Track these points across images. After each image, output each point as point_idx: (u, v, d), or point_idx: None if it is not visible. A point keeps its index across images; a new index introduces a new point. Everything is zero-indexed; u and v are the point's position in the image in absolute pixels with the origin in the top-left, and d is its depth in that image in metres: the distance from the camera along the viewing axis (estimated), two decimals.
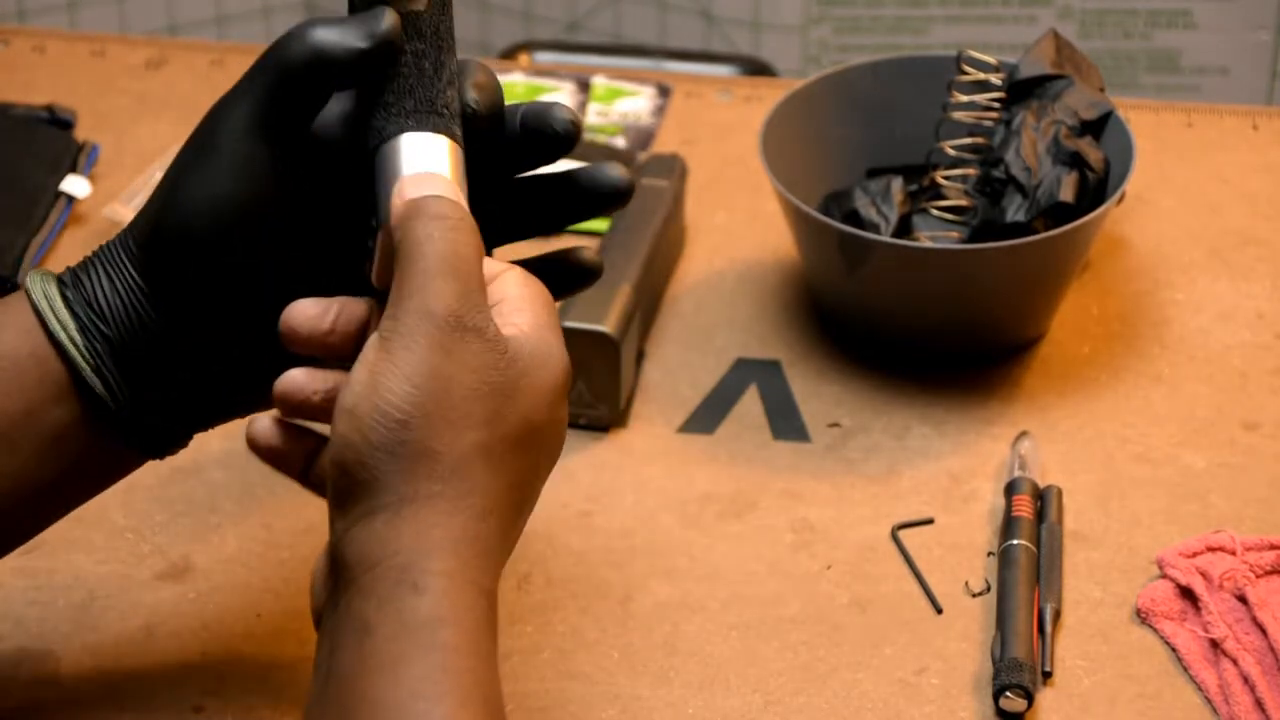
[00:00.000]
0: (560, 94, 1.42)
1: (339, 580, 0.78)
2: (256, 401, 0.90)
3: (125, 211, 1.29)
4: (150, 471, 1.10)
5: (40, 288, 0.88)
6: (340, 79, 0.85)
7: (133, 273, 0.87)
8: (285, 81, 0.85)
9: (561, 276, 0.89)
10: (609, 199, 0.89)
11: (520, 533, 0.83)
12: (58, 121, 1.35)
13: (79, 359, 0.87)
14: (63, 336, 0.87)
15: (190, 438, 0.92)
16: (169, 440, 0.91)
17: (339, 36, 0.84)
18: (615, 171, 0.89)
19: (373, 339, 0.80)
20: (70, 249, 1.27)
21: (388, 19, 0.84)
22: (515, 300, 0.83)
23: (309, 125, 0.86)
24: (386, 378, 0.78)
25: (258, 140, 0.85)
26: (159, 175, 1.30)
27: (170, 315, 0.87)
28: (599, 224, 1.28)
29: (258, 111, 0.85)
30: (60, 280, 0.89)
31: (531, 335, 0.81)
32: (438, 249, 0.80)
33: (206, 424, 0.91)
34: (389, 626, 0.76)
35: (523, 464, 0.81)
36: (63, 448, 0.88)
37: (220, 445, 1.10)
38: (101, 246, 0.89)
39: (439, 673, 0.75)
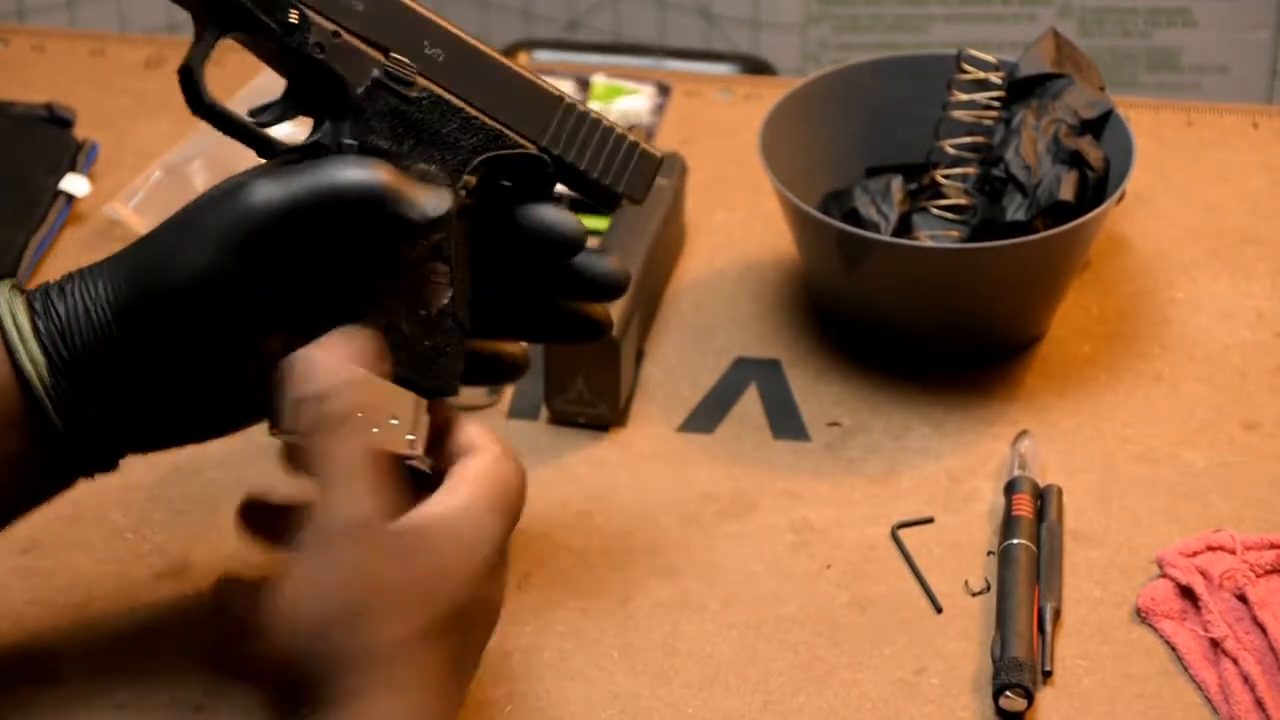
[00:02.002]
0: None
1: None
2: (211, 432, 0.93)
3: (124, 210, 1.29)
4: (150, 471, 1.10)
5: (10, 315, 0.88)
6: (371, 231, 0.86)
7: (108, 315, 0.87)
8: (325, 207, 0.85)
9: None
10: (601, 291, 0.94)
11: (464, 696, 0.87)
12: (57, 120, 1.35)
13: (45, 398, 0.87)
14: (31, 373, 0.87)
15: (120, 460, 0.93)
16: (105, 464, 0.92)
17: (416, 202, 0.85)
18: (606, 265, 0.94)
19: (295, 547, 0.82)
20: (69, 248, 1.27)
21: (446, 201, 0.86)
22: (457, 478, 0.86)
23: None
24: (307, 586, 0.81)
25: (278, 234, 0.86)
26: (159, 174, 1.31)
27: (140, 360, 0.88)
28: (599, 224, 1.28)
29: (287, 210, 0.85)
30: (31, 306, 0.88)
31: (457, 517, 0.84)
32: (336, 458, 0.82)
33: (150, 449, 0.93)
34: None
35: (455, 642, 0.84)
36: (9, 471, 0.88)
37: (220, 445, 1.10)
38: (80, 276, 0.89)
39: None
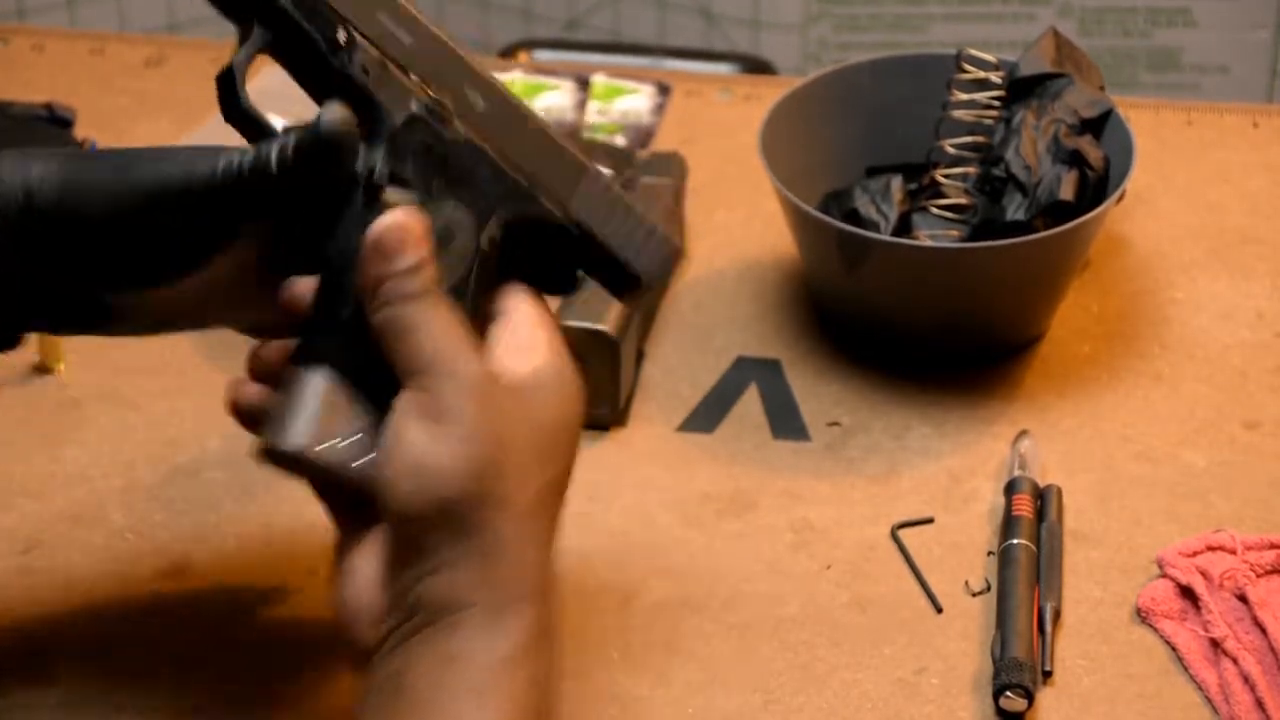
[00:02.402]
0: (560, 92, 1.42)
1: (408, 620, 0.82)
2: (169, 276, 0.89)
3: None
4: (150, 471, 1.10)
5: None
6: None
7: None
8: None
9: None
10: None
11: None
12: (57, 120, 1.35)
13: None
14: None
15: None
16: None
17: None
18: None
19: (406, 409, 0.82)
20: None
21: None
22: (526, 332, 0.86)
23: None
24: (449, 443, 0.81)
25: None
26: None
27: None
28: None
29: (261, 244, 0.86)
30: None
31: (548, 366, 0.85)
32: (438, 323, 0.83)
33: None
34: (481, 657, 0.81)
35: (564, 475, 0.86)
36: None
37: (220, 445, 1.10)
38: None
39: (519, 706, 0.81)
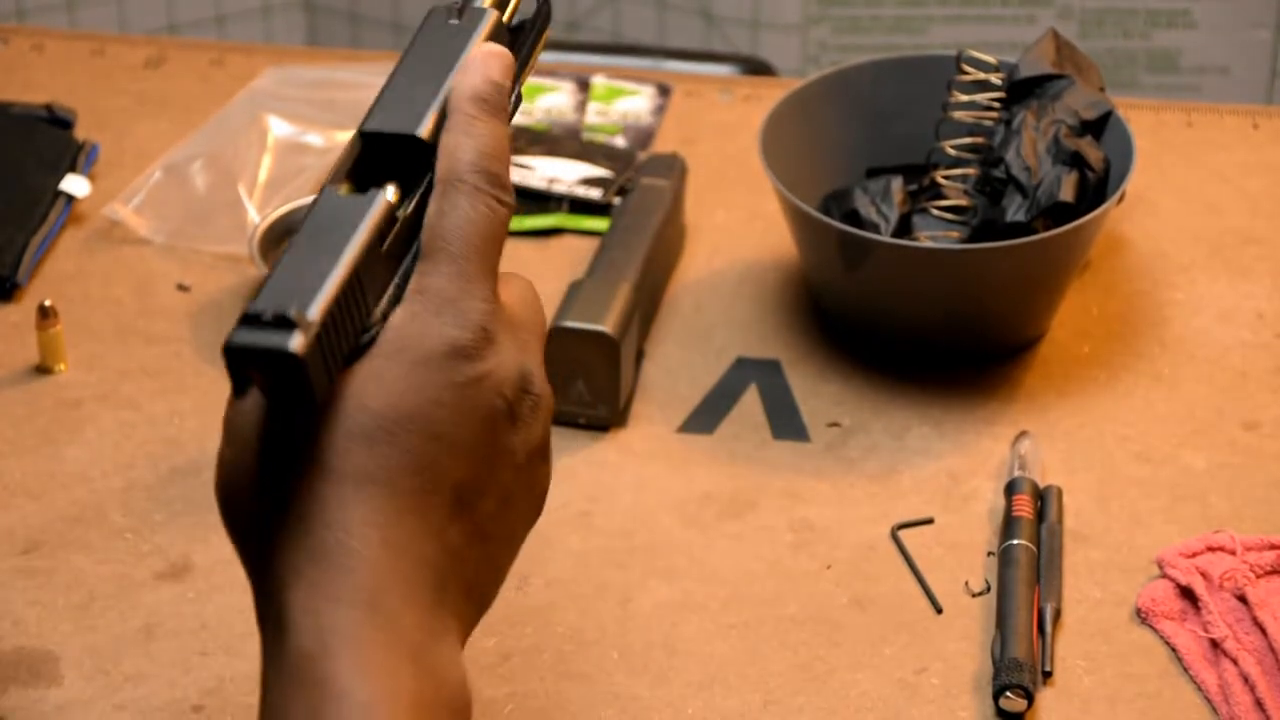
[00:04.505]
0: (560, 93, 1.42)
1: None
2: None
3: (125, 211, 1.29)
4: (150, 471, 1.10)
5: None
6: None
7: None
8: None
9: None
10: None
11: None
12: (57, 120, 1.35)
13: None
14: None
15: None
16: None
17: None
18: None
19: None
20: (70, 248, 1.27)
21: None
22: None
23: None
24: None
25: None
26: (159, 175, 1.31)
27: None
28: (599, 224, 1.29)
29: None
30: None
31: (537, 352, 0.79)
32: (502, 139, 0.77)
33: None
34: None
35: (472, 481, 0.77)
36: None
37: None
38: None
39: None
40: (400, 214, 0.76)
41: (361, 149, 0.78)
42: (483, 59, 0.78)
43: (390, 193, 0.76)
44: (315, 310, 0.71)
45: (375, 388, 0.73)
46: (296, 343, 0.70)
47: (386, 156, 0.77)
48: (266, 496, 0.74)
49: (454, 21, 0.80)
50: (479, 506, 0.76)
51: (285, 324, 0.70)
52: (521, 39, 0.82)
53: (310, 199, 1.20)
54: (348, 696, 0.71)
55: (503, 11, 0.82)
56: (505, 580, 0.79)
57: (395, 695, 0.71)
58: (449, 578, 0.75)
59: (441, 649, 0.74)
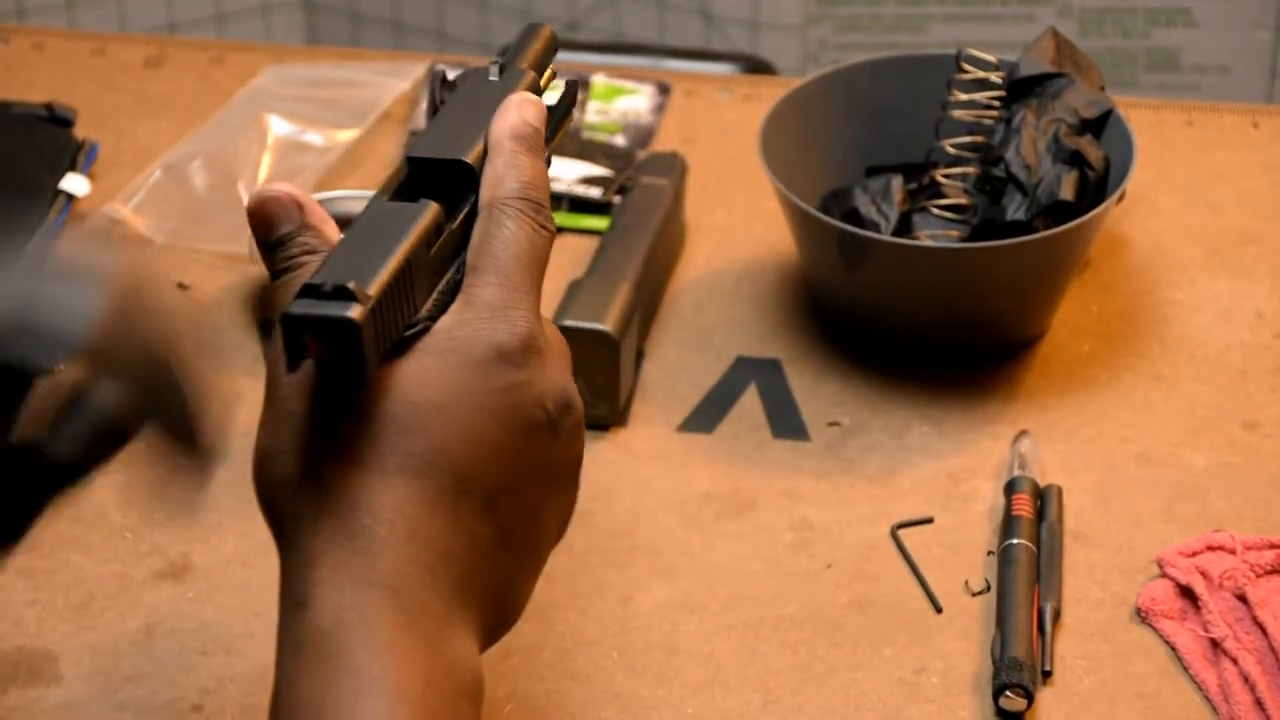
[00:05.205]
0: (560, 92, 1.42)
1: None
2: None
3: (125, 210, 1.29)
4: (150, 471, 1.10)
5: None
6: None
7: None
8: None
9: None
10: None
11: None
12: (57, 120, 1.35)
13: None
14: None
15: None
16: None
17: None
18: None
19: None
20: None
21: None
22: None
23: None
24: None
25: None
26: (159, 174, 1.31)
27: None
28: (599, 223, 1.29)
29: None
30: None
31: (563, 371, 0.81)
32: (540, 175, 0.81)
33: None
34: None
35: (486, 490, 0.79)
36: None
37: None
38: None
39: None
40: (447, 227, 0.80)
41: (408, 174, 0.82)
42: (518, 104, 0.82)
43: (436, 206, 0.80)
44: (373, 286, 0.74)
45: (420, 383, 0.75)
46: (355, 311, 0.73)
47: (432, 182, 0.81)
48: (303, 474, 0.76)
49: (493, 79, 0.85)
50: (510, 514, 0.78)
51: (344, 295, 0.73)
52: (550, 115, 0.86)
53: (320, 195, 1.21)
54: (362, 670, 0.72)
55: (539, 78, 0.87)
56: (530, 598, 0.80)
57: (409, 672, 0.73)
58: (472, 577, 0.77)
59: (458, 639, 0.76)
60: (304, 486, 0.76)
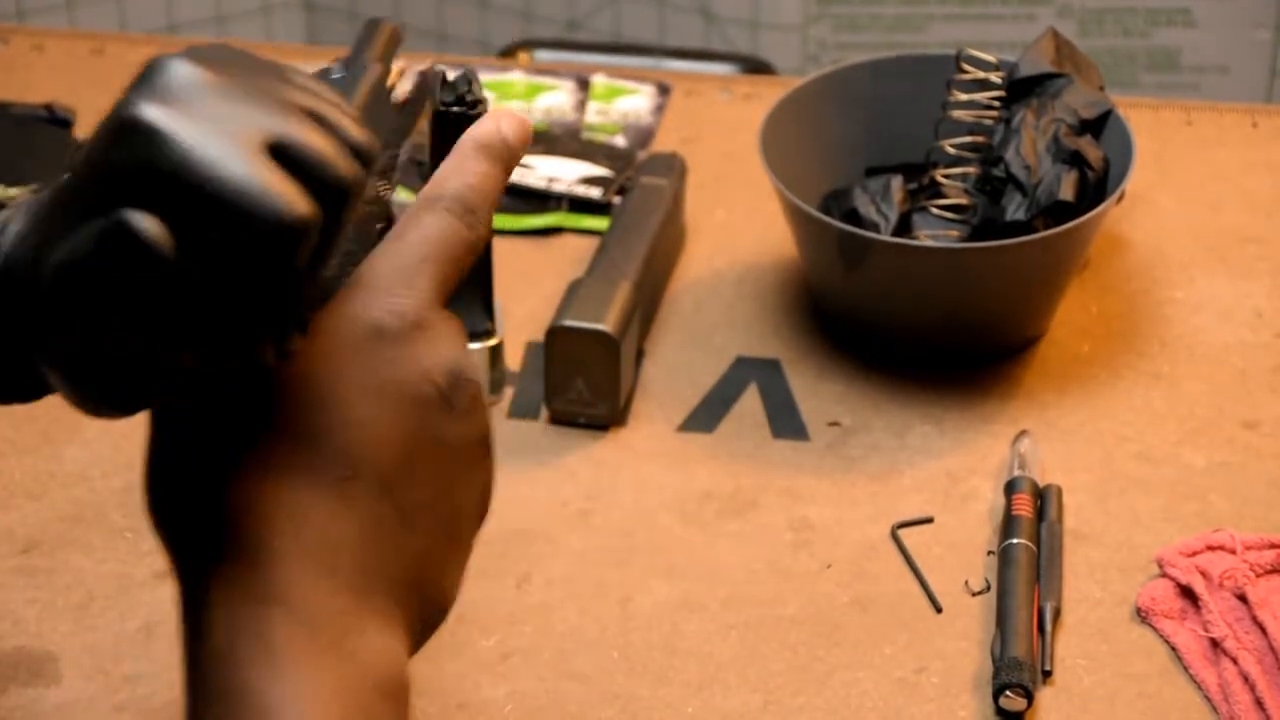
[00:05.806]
0: (560, 92, 1.42)
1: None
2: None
3: None
4: None
5: None
6: None
7: None
8: None
9: None
10: None
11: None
12: (57, 120, 1.35)
13: None
14: None
15: None
16: None
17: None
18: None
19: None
20: None
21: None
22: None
23: None
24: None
25: None
26: None
27: None
28: (599, 223, 1.29)
29: None
30: None
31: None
32: (495, 185, 0.79)
33: None
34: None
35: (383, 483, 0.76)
36: None
37: None
38: None
39: None
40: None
41: None
42: (496, 115, 0.81)
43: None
44: None
45: (298, 376, 0.73)
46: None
47: None
48: (190, 492, 0.73)
49: (337, 75, 0.82)
50: (409, 492, 0.75)
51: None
52: (403, 108, 0.85)
53: None
54: (258, 697, 0.70)
55: (385, 75, 0.84)
56: (463, 579, 0.77)
57: (313, 689, 0.71)
58: (376, 563, 0.74)
59: (368, 636, 0.73)
60: (191, 505, 0.74)
